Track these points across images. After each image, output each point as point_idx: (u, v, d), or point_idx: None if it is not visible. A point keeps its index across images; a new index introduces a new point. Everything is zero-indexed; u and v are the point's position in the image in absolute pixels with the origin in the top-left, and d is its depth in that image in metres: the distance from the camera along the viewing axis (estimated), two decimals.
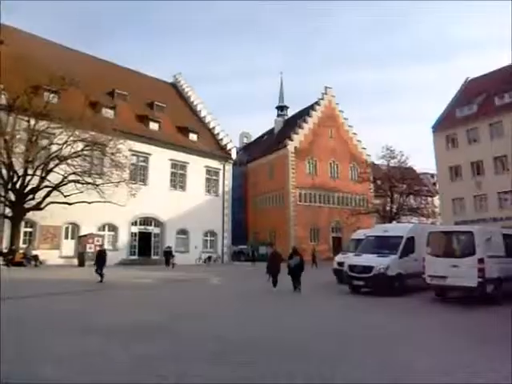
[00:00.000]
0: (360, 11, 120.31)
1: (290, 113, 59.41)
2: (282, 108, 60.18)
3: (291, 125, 52.36)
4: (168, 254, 30.88)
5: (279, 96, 61.23)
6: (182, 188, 37.00)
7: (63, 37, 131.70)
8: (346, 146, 52.02)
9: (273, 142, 53.63)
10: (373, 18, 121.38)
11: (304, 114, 52.09)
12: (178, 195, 36.09)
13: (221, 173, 40.30)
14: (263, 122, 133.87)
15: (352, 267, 14.70)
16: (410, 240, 14.97)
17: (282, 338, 7.59)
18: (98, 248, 20.95)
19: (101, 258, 17.44)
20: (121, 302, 12.32)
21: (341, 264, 17.07)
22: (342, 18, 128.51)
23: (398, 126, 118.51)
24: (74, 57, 35.58)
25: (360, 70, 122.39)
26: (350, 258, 16.03)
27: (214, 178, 39.86)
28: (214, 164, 39.78)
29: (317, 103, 51.66)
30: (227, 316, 10.11)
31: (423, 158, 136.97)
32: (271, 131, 59.11)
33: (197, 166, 37.92)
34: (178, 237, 36.01)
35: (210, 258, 35.89)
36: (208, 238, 38.60)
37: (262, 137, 62.62)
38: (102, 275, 16.80)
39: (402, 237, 14.98)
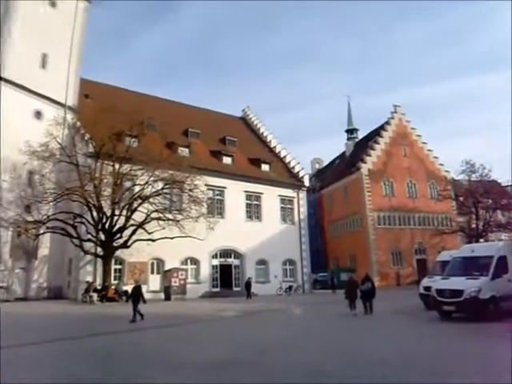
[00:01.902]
0: (422, 24, 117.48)
1: (360, 135, 58.63)
2: (351, 131, 59.54)
3: (362, 147, 51.54)
4: (249, 285, 31.12)
5: (348, 119, 60.77)
6: (258, 218, 37.46)
7: (139, 84, 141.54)
8: (423, 163, 50.04)
9: (345, 165, 52.99)
10: (437, 29, 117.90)
11: (375, 134, 51.13)
12: (255, 226, 36.54)
13: (295, 201, 40.32)
14: (333, 147, 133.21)
15: (440, 292, 13.89)
16: (502, 259, 13.86)
17: (373, 371, 7.08)
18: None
19: (137, 294, 15.32)
20: (206, 336, 12.42)
21: (427, 289, 16.16)
22: (399, 34, 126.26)
23: (476, 137, 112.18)
24: (150, 102, 38.21)
25: (430, 83, 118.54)
26: (437, 282, 15.14)
27: (289, 206, 39.95)
28: (288, 192, 39.94)
29: (387, 123, 50.57)
30: (313, 347, 9.79)
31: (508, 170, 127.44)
32: (342, 155, 58.54)
33: (271, 196, 38.30)
34: (258, 267, 36.22)
35: (290, 287, 35.58)
36: (287, 267, 38.40)
37: (333, 161, 62.17)
38: (140, 313, 14.96)
39: (492, 256, 13.91)
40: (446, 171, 49.50)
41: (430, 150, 51.42)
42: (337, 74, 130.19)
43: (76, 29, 34.60)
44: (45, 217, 25.74)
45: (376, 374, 6.72)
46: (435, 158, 51.34)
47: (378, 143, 48.81)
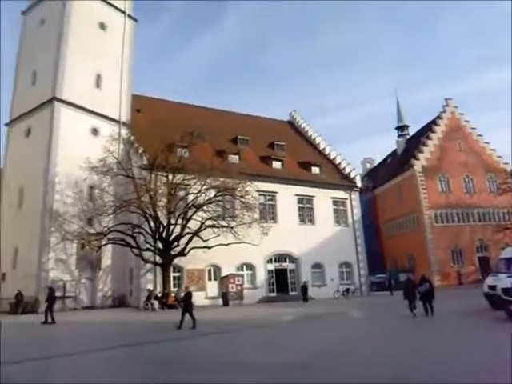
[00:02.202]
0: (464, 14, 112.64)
1: (411, 131, 56.89)
2: (401, 128, 57.86)
3: (414, 143, 49.99)
4: (305, 289, 30.94)
5: (397, 116, 59.18)
6: (311, 222, 37.22)
7: (186, 96, 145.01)
8: (479, 156, 47.80)
9: (397, 163, 51.64)
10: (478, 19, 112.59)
11: (426, 130, 49.47)
12: (308, 229, 36.35)
13: (348, 202, 39.73)
14: (384, 145, 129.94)
15: (506, 290, 13.17)
16: None
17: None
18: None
19: (188, 301, 14.88)
20: (265, 340, 12.45)
21: (492, 287, 15.31)
22: (442, 25, 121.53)
23: None
24: (198, 112, 39.28)
25: (481, 72, 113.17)
26: (502, 281, 14.29)
27: (342, 208, 39.41)
28: (340, 194, 39.42)
29: (439, 117, 48.80)
30: (373, 351, 9.52)
31: None
32: (394, 153, 57.09)
33: (323, 199, 37.97)
34: (314, 271, 35.95)
35: (347, 290, 34.99)
36: (344, 270, 37.83)
37: (385, 160, 60.72)
38: (194, 320, 14.49)
39: None
40: (506, 163, 47.09)
41: (486, 143, 49.06)
42: (383, 71, 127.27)
43: (125, 47, 36.18)
44: (106, 229, 26.95)
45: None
46: (492, 150, 48.91)
47: (431, 139, 47.18)
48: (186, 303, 14.91)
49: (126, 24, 36.96)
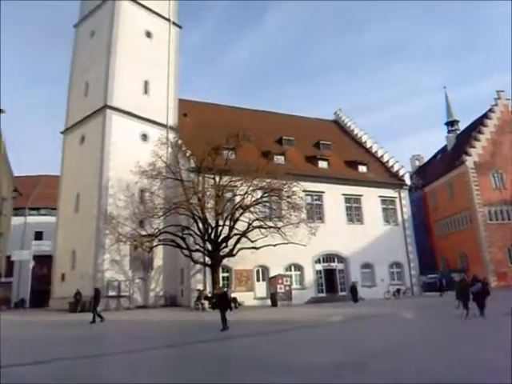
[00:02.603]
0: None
1: (462, 126, 54.74)
2: (451, 123, 55.80)
3: (465, 139, 47.96)
4: (354, 290, 30.51)
5: (446, 111, 57.14)
6: (360, 221, 36.67)
7: (231, 98, 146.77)
8: None
9: (448, 160, 49.79)
10: None
11: (478, 124, 47.34)
12: (357, 229, 35.84)
13: (397, 201, 38.84)
14: (433, 142, 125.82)
15: None
16: None
17: None
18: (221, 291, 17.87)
19: (224, 301, 14.86)
20: (315, 341, 12.36)
21: None
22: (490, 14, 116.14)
23: None
24: (243, 114, 39.68)
25: None
26: None
27: (391, 207, 38.57)
28: (389, 193, 38.61)
29: (491, 110, 46.53)
30: (425, 353, 9.14)
31: None
32: (444, 149, 55.11)
33: (371, 198, 37.32)
34: (363, 271, 35.38)
35: (398, 290, 34.19)
36: (394, 270, 36.96)
37: (434, 157, 58.75)
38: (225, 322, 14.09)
39: None
40: None
41: None
42: (430, 66, 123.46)
43: (171, 54, 37.16)
44: (156, 230, 27.71)
45: None
46: None
47: (483, 133, 45.11)
48: (222, 303, 14.63)
49: (170, 31, 37.95)
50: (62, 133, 35.44)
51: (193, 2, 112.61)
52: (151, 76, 34.86)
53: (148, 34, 36.12)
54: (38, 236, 40.60)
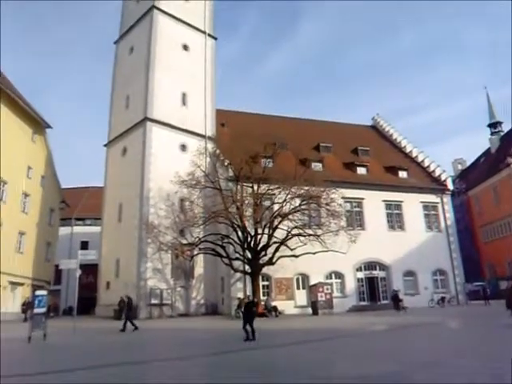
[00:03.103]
0: None
1: (505, 128, 52.77)
2: (494, 125, 53.98)
3: (510, 140, 46.29)
4: (396, 298, 29.77)
5: (489, 113, 55.34)
6: (401, 228, 35.86)
7: (267, 106, 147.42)
8: None
9: (492, 163, 48.15)
10: None
11: None
12: (398, 236, 35.04)
13: (439, 206, 37.72)
14: (476, 144, 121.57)
15: None
16: None
17: None
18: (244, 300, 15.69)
19: (250, 311, 14.06)
20: (358, 351, 12.06)
21: None
22: None
23: None
24: (279, 122, 39.83)
25: None
26: None
27: (433, 212, 37.50)
28: (431, 198, 37.57)
29: None
30: (475, 364, 8.75)
31: None
32: (487, 152, 53.32)
33: (412, 203, 36.44)
34: (406, 279, 34.50)
35: (443, 298, 33.13)
36: (438, 278, 35.81)
37: (477, 160, 56.90)
38: (253, 331, 13.41)
39: None
40: None
41: None
42: (470, 66, 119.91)
43: (207, 65, 37.83)
44: (197, 239, 28.13)
45: None
46: None
47: None
48: (248, 313, 13.90)
49: (206, 43, 38.65)
50: (105, 145, 36.67)
51: (228, 14, 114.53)
52: (189, 88, 35.60)
53: (185, 47, 36.95)
54: (84, 245, 42.13)
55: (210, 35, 39.26)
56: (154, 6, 35.79)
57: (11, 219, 32.02)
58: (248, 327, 13.36)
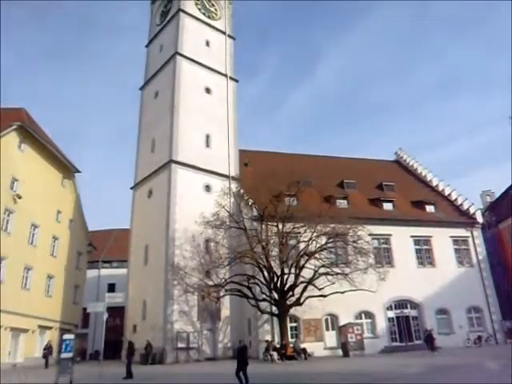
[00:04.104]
0: None
1: None
2: None
3: None
4: (430, 338, 28.61)
5: None
6: (431, 264, 34.89)
7: (289, 145, 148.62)
8: None
9: None
10: None
11: None
12: (428, 272, 34.05)
13: (470, 240, 36.68)
14: (504, 176, 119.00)
15: None
16: None
17: None
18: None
19: (242, 357, 13.39)
20: None
21: None
22: None
23: None
24: (302, 160, 39.91)
25: None
26: None
27: (464, 247, 36.44)
28: (460, 232, 36.61)
29: None
30: None
31: None
32: None
33: (442, 238, 35.55)
34: (438, 317, 33.23)
35: (479, 338, 31.69)
36: (473, 315, 34.34)
37: (507, 191, 55.34)
38: (242, 379, 12.86)
39: None
40: None
41: None
42: (493, 96, 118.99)
43: (229, 107, 38.73)
44: (223, 280, 27.85)
45: None
46: None
47: None
48: (240, 359, 13.14)
49: (228, 85, 39.69)
50: (131, 188, 37.33)
51: (248, 57, 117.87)
52: (212, 129, 36.33)
53: (207, 90, 37.96)
54: (111, 288, 42.36)
55: (231, 78, 40.36)
56: (176, 53, 37.18)
57: (41, 263, 32.61)
58: (241, 375, 12.76)
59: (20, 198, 30.13)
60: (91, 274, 45.11)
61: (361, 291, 27.06)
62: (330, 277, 27.24)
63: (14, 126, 30.36)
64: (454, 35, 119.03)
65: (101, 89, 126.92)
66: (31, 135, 32.37)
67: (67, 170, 37.92)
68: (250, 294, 27.56)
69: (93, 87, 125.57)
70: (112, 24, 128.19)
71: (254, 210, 30.45)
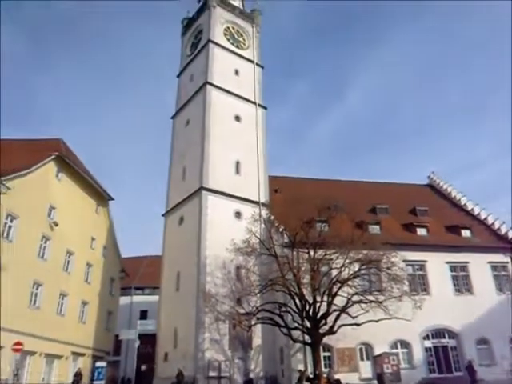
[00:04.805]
0: None
1: None
2: None
3: None
4: (471, 369, 27.38)
5: None
6: (469, 291, 33.65)
7: (321, 170, 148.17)
8: None
9: None
10: None
11: None
12: (466, 300, 32.85)
13: (509, 266, 35.28)
14: None
15: None
16: None
17: None
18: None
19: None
20: None
21: None
22: None
23: None
24: (333, 185, 39.66)
25: None
26: None
27: (503, 273, 35.05)
28: (498, 258, 35.27)
29: None
30: None
31: None
32: None
33: (479, 264, 34.33)
34: (479, 347, 31.76)
35: None
36: None
37: None
38: None
39: None
40: None
41: None
42: None
43: (259, 134, 39.17)
44: (254, 308, 27.58)
45: None
46: None
47: None
48: None
49: (257, 113, 40.26)
50: (163, 215, 37.87)
51: (277, 84, 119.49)
52: (242, 156, 36.73)
53: (237, 118, 38.62)
54: (143, 315, 42.59)
55: (260, 105, 40.94)
56: (207, 82, 38.13)
57: (76, 289, 33.21)
58: None
59: (57, 225, 31.01)
60: (124, 300, 45.54)
61: (396, 319, 26.26)
62: (363, 305, 26.59)
63: (53, 156, 31.53)
64: (487, 55, 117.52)
65: (134, 118, 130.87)
66: (68, 164, 33.50)
67: (101, 197, 38.89)
68: (281, 323, 27.15)
69: (126, 116, 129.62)
70: (144, 55, 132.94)
71: (285, 236, 30.29)
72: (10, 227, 26.67)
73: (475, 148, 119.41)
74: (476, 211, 40.75)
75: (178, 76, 45.02)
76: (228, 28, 43.91)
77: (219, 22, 43.01)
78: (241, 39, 44.36)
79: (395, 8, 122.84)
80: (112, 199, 40.25)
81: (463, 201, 42.53)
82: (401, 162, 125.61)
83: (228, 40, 42.84)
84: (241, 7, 48.18)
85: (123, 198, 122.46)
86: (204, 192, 33.37)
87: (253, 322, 28.11)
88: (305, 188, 35.44)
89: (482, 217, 39.87)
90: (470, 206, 41.59)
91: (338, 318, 26.42)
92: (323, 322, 26.55)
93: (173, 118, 42.51)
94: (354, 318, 26.19)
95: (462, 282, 33.90)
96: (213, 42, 40.85)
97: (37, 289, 28.58)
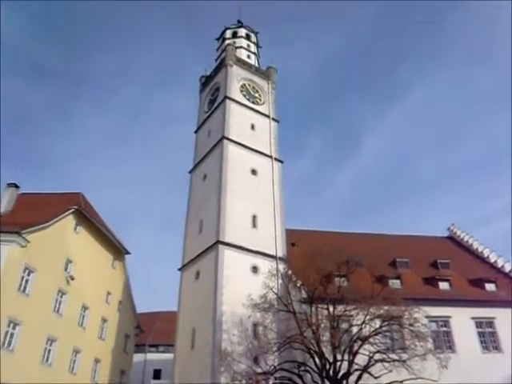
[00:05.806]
0: None
1: None
2: None
3: None
4: None
5: None
6: (497, 349, 31.94)
7: (339, 224, 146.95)
8: None
9: None
10: None
11: None
12: (494, 358, 31.10)
13: None
14: None
15: None
16: None
17: None
18: None
19: None
20: None
21: None
22: None
23: None
24: (351, 238, 39.14)
25: None
26: None
27: None
28: None
29: None
30: None
31: None
32: None
33: (506, 319, 32.63)
34: None
35: None
36: None
37: None
38: None
39: None
40: None
41: None
42: None
43: (275, 187, 39.28)
44: (272, 367, 26.49)
45: None
46: None
47: None
48: None
49: (273, 166, 40.67)
50: (179, 269, 37.60)
51: (293, 138, 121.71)
52: (258, 210, 36.73)
53: (253, 172, 39.02)
54: (157, 374, 41.36)
55: (276, 159, 41.44)
56: (223, 137, 39.01)
57: (89, 346, 32.61)
58: None
59: (73, 279, 30.99)
60: (137, 357, 44.39)
61: (421, 380, 24.87)
62: (386, 364, 25.36)
63: (72, 210, 32.03)
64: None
65: (152, 173, 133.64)
66: (86, 218, 33.91)
67: (118, 251, 38.99)
68: (300, 383, 25.97)
69: (144, 172, 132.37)
70: (164, 113, 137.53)
71: (303, 291, 29.63)
72: (26, 281, 26.73)
73: (496, 197, 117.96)
74: (500, 263, 39.48)
75: (196, 131, 46.23)
76: (244, 85, 45.43)
77: (236, 79, 44.61)
78: (257, 95, 45.74)
79: (414, 60, 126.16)
80: (128, 253, 40.32)
81: (486, 252, 41.33)
82: (419, 214, 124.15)
83: (244, 96, 44.23)
84: (256, 65, 50.05)
85: (139, 252, 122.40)
86: (220, 246, 33.15)
87: (270, 382, 26.89)
88: (323, 241, 34.96)
89: (507, 269, 38.57)
90: (493, 258, 40.35)
91: (359, 378, 25.18)
92: (344, 382, 25.32)
93: (190, 172, 43.21)
94: (376, 378, 24.86)
95: (488, 338, 32.30)
96: (229, 99, 42.17)
97: (50, 345, 28.19)
